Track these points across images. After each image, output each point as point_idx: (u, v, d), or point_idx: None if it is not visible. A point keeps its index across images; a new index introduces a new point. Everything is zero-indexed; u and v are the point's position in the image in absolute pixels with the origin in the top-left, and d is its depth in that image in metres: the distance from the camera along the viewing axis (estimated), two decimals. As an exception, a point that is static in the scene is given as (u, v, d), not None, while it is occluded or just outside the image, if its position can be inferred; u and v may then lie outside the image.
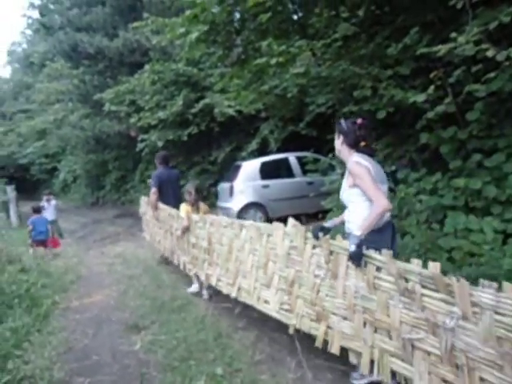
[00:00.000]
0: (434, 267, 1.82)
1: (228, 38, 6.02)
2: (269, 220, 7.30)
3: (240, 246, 3.38)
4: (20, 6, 55.76)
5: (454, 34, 2.93)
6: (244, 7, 5.09)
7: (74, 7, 14.29)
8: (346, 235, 2.43)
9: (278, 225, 2.90)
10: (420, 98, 3.28)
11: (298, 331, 2.69)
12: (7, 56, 35.88)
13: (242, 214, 7.48)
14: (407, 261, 2.01)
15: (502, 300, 1.58)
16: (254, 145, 8.84)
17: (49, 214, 9.39)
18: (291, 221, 2.79)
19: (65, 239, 9.52)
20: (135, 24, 6.72)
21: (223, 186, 8.13)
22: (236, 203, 7.50)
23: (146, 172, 12.73)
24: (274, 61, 4.06)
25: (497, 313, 1.60)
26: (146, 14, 7.43)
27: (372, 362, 2.13)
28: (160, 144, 10.07)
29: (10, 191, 11.48)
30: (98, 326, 3.76)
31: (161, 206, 5.31)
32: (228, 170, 8.93)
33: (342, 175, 5.20)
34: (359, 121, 2.42)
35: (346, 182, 2.46)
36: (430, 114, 3.39)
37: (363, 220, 2.20)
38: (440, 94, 3.40)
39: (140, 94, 10.86)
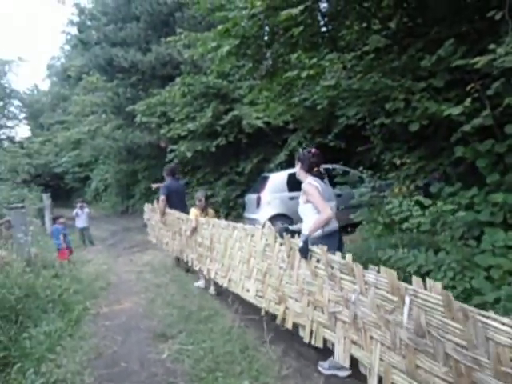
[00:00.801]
0: (348, 258, 2.51)
1: (258, 51, 6.10)
2: (295, 232, 7.25)
3: (232, 244, 4.13)
4: (60, 23, 58.86)
5: (492, 46, 2.85)
6: (274, 21, 5.15)
7: (110, 23, 14.90)
8: None
9: (258, 227, 3.66)
10: (456, 110, 3.19)
11: (266, 313, 3.43)
12: (47, 70, 37.65)
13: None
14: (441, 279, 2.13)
15: (379, 279, 2.24)
16: (282, 156, 8.86)
17: (81, 221, 9.76)
18: (267, 223, 3.53)
19: (96, 246, 9.81)
20: (169, 38, 6.95)
21: (250, 197, 8.16)
22: (263, 214, 7.49)
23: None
24: (304, 73, 4.07)
25: (376, 287, 2.26)
26: (178, 29, 7.65)
27: (311, 332, 2.83)
28: (189, 155, 10.25)
29: (46, 198, 11.96)
30: (127, 334, 3.82)
31: (169, 211, 5.94)
32: (255, 181, 8.96)
33: (373, 188, 5.17)
34: (313, 150, 3.13)
35: (301, 199, 3.07)
36: (467, 127, 3.28)
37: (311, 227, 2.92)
38: (476, 107, 3.30)
39: (170, 106, 11.13)
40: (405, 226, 3.63)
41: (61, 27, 37.87)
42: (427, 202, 3.62)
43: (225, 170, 11.06)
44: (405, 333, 2.07)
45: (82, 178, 23.48)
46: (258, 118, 9.33)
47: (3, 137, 35.66)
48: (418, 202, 3.68)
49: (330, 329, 2.67)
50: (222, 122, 9.89)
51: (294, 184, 7.54)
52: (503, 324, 1.64)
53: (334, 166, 7.07)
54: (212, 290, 4.85)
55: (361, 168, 5.73)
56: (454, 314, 1.81)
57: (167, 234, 6.25)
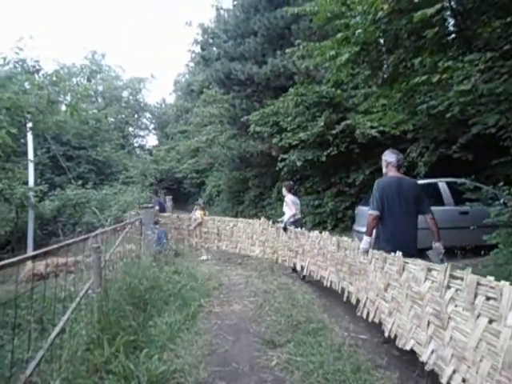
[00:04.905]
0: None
1: (378, 57, 5.85)
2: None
3: (237, 230, 7.94)
4: (186, 42, 65.43)
5: None
6: (399, 25, 4.87)
7: (229, 40, 15.98)
8: None
9: (256, 220, 7.54)
10: None
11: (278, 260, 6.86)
12: (173, 85, 42.05)
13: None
14: None
15: (311, 235, 5.61)
16: (400, 168, 8.29)
17: (197, 223, 10.57)
18: (262, 219, 7.46)
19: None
20: (288, 50, 7.11)
21: (361, 210, 7.79)
22: (375, 229, 7.11)
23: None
24: (435, 78, 3.72)
25: (312, 238, 5.57)
26: (296, 41, 7.78)
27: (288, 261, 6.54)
28: (299, 164, 10.31)
29: (168, 201, 13.29)
30: (237, 335, 3.93)
31: (162, 214, 9.91)
32: (367, 193, 8.55)
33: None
34: (291, 183, 7.00)
35: (284, 204, 6.63)
36: None
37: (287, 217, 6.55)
38: None
39: (283, 116, 11.34)
40: (560, 254, 3.03)
41: (187, 46, 42.02)
42: None
43: (334, 180, 10.82)
44: (316, 250, 5.32)
45: (198, 183, 25.44)
46: (372, 127, 8.94)
47: (136, 145, 40.98)
48: None
49: (295, 258, 6.15)
50: (333, 132, 9.72)
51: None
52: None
53: (463, 180, 6.28)
54: (206, 257, 8.37)
55: (501, 184, 4.97)
56: (333, 242, 4.84)
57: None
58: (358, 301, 4.08)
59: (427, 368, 2.62)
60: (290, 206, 6.41)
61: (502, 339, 1.94)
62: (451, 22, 6.14)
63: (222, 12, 18.62)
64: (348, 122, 9.50)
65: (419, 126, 6.62)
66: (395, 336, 3.17)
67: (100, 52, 37.56)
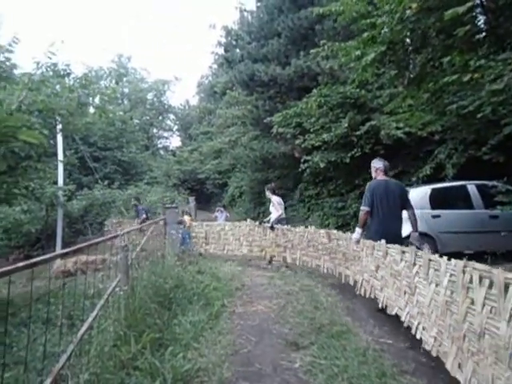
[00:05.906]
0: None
1: (404, 57, 5.75)
2: (438, 254, 6.51)
3: (225, 233, 8.80)
4: (210, 44, 66.17)
5: None
6: (427, 23, 4.77)
7: (253, 41, 16.01)
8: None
9: (243, 222, 8.77)
10: None
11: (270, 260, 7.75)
12: (196, 87, 42.53)
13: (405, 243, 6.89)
14: None
15: (298, 230, 7.16)
16: (427, 170, 8.07)
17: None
18: (248, 220, 8.64)
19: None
20: (312, 50, 7.06)
21: (386, 212, 7.67)
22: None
23: (306, 192, 13.04)
24: (466, 77, 3.61)
25: (300, 233, 7.04)
26: (321, 41, 7.72)
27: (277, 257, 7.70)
28: (322, 165, 10.21)
29: (191, 201, 13.45)
30: (260, 336, 3.92)
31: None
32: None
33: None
34: (273, 184, 8.14)
35: (271, 204, 7.68)
36: None
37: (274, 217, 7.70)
38: None
39: (306, 117, 11.23)
40: None
41: (210, 48, 42.46)
42: None
43: (358, 182, 10.63)
44: (305, 243, 6.68)
45: (220, 184, 25.63)
46: (397, 128, 8.73)
47: (160, 146, 41.73)
48: None
49: (284, 253, 7.27)
50: (358, 133, 9.57)
51: (438, 200, 6.77)
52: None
53: (494, 183, 6.05)
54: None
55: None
56: (323, 234, 6.23)
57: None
58: (355, 282, 5.04)
59: (405, 325, 3.56)
60: (277, 206, 7.37)
61: (440, 296, 2.91)
62: (481, 19, 5.97)
63: (245, 14, 18.67)
64: (373, 122, 9.33)
65: (448, 126, 6.42)
66: (386, 306, 4.03)
67: (126, 55, 38.49)
